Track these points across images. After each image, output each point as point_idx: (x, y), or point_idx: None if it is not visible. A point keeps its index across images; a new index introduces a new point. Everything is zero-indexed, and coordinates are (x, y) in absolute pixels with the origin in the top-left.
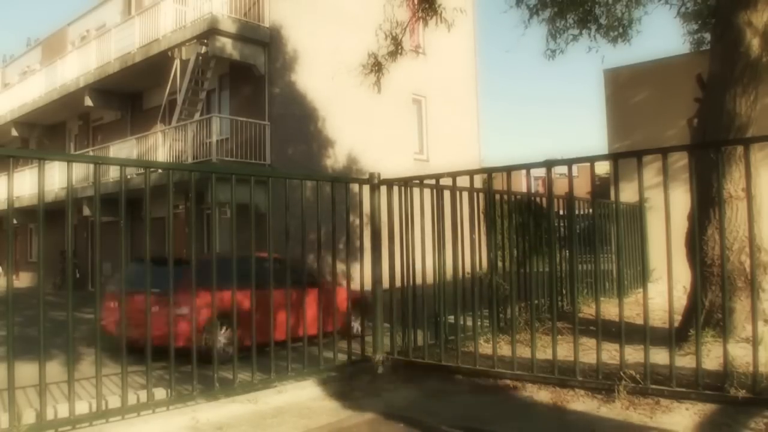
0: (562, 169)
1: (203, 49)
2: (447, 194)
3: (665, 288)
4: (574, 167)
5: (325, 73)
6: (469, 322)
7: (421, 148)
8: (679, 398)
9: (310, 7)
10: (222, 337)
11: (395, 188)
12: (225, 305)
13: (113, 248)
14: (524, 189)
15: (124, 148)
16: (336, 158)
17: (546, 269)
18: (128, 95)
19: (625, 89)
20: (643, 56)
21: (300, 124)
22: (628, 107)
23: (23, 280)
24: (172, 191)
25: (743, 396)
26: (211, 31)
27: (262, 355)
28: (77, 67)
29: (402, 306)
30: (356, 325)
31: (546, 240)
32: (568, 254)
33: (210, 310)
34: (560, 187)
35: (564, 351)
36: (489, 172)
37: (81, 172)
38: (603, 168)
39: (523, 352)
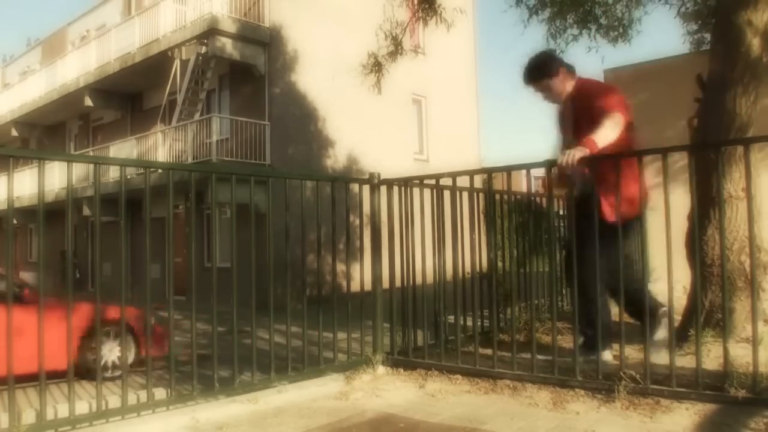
0: None
1: (203, 49)
2: (447, 194)
3: (665, 288)
4: None
5: (325, 73)
6: (469, 322)
7: (421, 148)
8: (679, 398)
9: (310, 7)
10: None
11: (395, 188)
12: None
13: (113, 248)
14: (524, 189)
15: (124, 148)
16: (336, 158)
17: (546, 269)
18: (128, 95)
19: (625, 89)
20: (643, 56)
21: (300, 124)
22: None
23: (23, 280)
24: (172, 191)
25: (743, 396)
26: (211, 31)
27: (262, 355)
28: (77, 67)
29: (402, 306)
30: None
31: (546, 240)
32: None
33: None
34: None
35: (564, 351)
36: (489, 172)
37: (81, 172)
38: None
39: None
